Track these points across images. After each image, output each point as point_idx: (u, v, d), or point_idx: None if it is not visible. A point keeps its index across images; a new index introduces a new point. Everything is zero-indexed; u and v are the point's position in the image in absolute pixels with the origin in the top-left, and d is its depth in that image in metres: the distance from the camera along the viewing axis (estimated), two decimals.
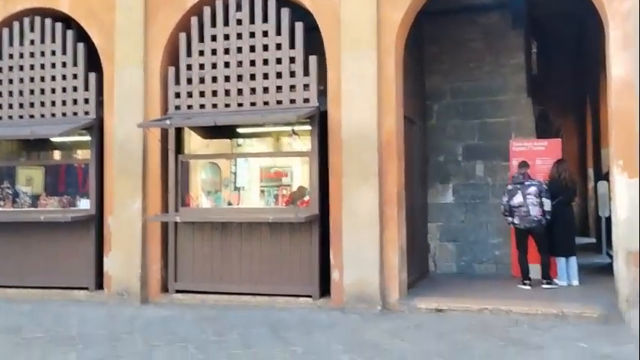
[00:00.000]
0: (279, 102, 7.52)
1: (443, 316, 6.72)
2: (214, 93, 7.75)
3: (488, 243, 9.13)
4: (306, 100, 7.44)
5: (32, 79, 8.48)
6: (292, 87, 7.49)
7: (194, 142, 8.32)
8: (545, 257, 7.97)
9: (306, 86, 7.44)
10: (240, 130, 8.41)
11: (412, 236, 8.14)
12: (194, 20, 7.83)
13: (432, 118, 9.54)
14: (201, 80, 7.77)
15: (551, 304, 6.76)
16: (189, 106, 7.83)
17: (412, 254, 8.05)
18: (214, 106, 7.74)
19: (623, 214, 6.32)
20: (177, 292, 7.83)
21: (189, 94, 7.83)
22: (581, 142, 16.70)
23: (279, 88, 7.52)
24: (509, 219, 8.05)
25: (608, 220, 11.43)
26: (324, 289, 7.36)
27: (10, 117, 8.57)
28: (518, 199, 7.93)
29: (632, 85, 6.26)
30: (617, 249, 6.41)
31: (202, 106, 7.79)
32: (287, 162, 8.31)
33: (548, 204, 7.80)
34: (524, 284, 7.93)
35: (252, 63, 7.62)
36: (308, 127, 7.58)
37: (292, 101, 7.49)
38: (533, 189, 7.85)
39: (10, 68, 8.59)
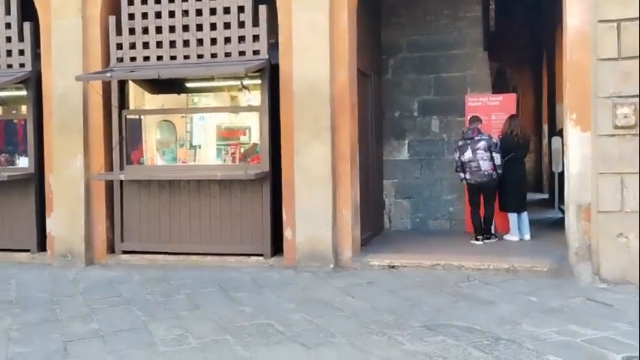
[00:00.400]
0: (227, 54, 7.17)
1: (396, 273, 6.66)
2: (159, 44, 7.34)
3: (442, 199, 9.09)
4: (256, 52, 7.12)
5: None
6: (241, 38, 7.15)
7: (148, 100, 7.95)
8: (490, 212, 7.98)
9: (255, 37, 7.11)
10: (189, 85, 8.04)
11: (366, 193, 8.02)
12: None
13: (387, 72, 9.33)
14: (145, 31, 7.35)
15: (502, 258, 6.77)
16: (133, 58, 7.41)
17: (366, 211, 7.94)
18: (159, 58, 7.35)
19: (575, 168, 6.30)
20: (124, 252, 7.56)
21: (132, 46, 7.40)
22: (536, 99, 16.80)
23: (227, 39, 7.17)
24: (462, 175, 8.02)
25: (561, 175, 11.59)
26: (277, 248, 7.20)
27: None
28: (468, 154, 7.89)
29: (587, 36, 6.16)
30: (569, 203, 6.41)
31: (146, 59, 7.38)
32: (244, 119, 7.99)
33: (498, 158, 7.77)
34: (477, 239, 7.95)
35: (199, 12, 7.22)
36: (258, 81, 7.28)
37: (241, 53, 7.16)
38: (482, 144, 7.81)
39: None
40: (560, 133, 12.01)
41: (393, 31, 9.25)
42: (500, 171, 7.81)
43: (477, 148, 7.84)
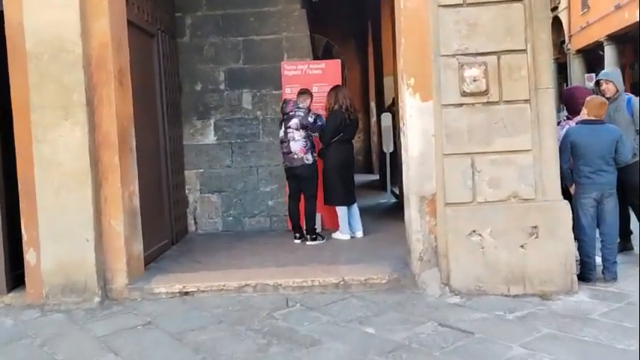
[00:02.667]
0: None
1: (190, 302, 4.80)
2: None
3: (260, 192, 7.39)
4: None
5: None
6: None
7: None
8: (310, 206, 6.48)
9: None
10: None
11: (156, 189, 6.07)
12: None
13: (184, 34, 7.36)
14: None
15: (330, 269, 5.21)
16: None
17: (157, 214, 5.99)
18: None
19: (415, 148, 4.89)
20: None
21: None
22: (363, 74, 15.81)
23: None
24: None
25: (393, 156, 10.53)
26: (19, 279, 5.00)
27: None
28: (281, 132, 6.45)
29: None
30: (409, 193, 5.00)
31: None
32: None
33: (314, 137, 6.46)
34: (296, 238, 6.42)
35: None
36: None
37: None
38: (294, 121, 6.33)
39: None
40: (390, 109, 10.95)
41: None
42: (313, 156, 6.38)
43: (289, 126, 6.33)
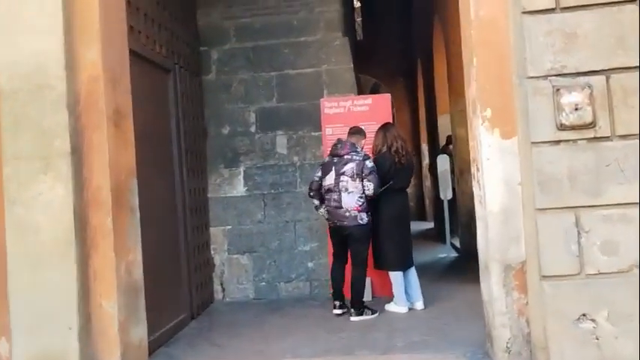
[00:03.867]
0: None
1: None
2: None
3: (297, 251, 6.25)
4: None
5: None
6: None
7: None
8: (359, 273, 5.26)
9: None
10: None
11: (166, 255, 5.01)
12: None
13: (209, 70, 6.42)
14: None
15: None
16: None
17: (166, 286, 4.91)
18: None
19: (496, 201, 3.69)
20: None
21: None
22: (413, 115, 14.71)
23: None
24: (315, 202, 5.42)
25: (451, 203, 9.28)
26: None
27: None
28: (330, 178, 5.24)
29: None
30: (488, 261, 3.76)
31: None
32: None
33: (371, 187, 5.12)
34: (335, 308, 5.32)
35: None
36: None
37: None
38: (349, 166, 5.14)
39: None
40: (446, 150, 9.75)
41: (214, 11, 6.41)
42: (368, 216, 5.21)
43: (342, 172, 5.14)
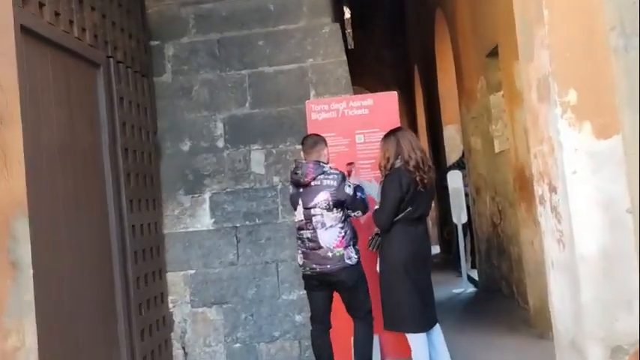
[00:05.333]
0: None
1: None
2: None
3: (282, 301, 4.78)
4: None
5: None
6: None
7: None
8: (363, 330, 3.83)
9: None
10: None
11: (92, 321, 3.53)
12: None
13: (163, 70, 5.01)
14: None
15: None
16: None
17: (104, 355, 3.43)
18: None
19: (592, 240, 2.27)
20: None
21: None
22: (411, 127, 13.34)
23: None
24: (299, 251, 3.92)
25: (466, 227, 7.88)
26: None
27: None
28: (299, 214, 3.85)
29: None
30: (579, 339, 2.33)
31: None
32: None
33: (361, 217, 3.83)
34: None
35: None
36: None
37: None
38: (322, 197, 3.73)
39: None
40: (459, 166, 8.37)
41: None
42: (359, 250, 3.79)
43: (314, 206, 3.74)
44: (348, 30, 14.50)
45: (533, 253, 4.90)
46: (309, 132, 4.48)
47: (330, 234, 3.72)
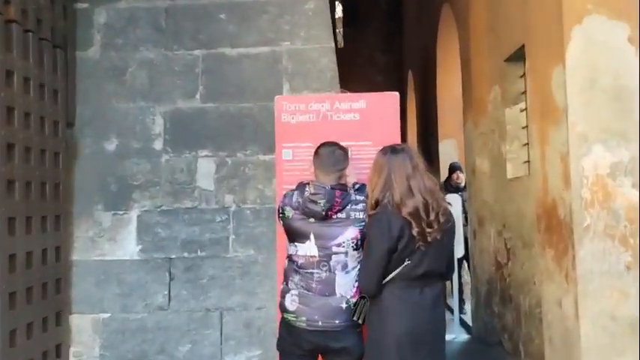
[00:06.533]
0: None
1: None
2: None
3: None
4: None
5: None
6: None
7: None
8: None
9: None
10: None
11: None
12: None
13: (90, 42, 3.75)
14: None
15: None
16: None
17: None
18: None
19: None
20: None
21: None
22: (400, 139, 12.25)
23: None
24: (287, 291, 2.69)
25: (460, 262, 6.74)
26: None
27: None
28: (308, 248, 2.63)
29: None
30: None
31: None
32: None
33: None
34: None
35: None
36: None
37: None
38: (351, 232, 2.62)
39: None
40: (457, 188, 7.21)
41: None
42: (357, 317, 2.60)
43: (339, 243, 2.61)
44: (339, 29, 13.50)
45: (562, 317, 3.73)
46: (278, 139, 3.27)
47: (349, 279, 2.63)
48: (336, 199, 2.61)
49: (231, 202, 3.60)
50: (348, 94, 3.48)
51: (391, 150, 2.64)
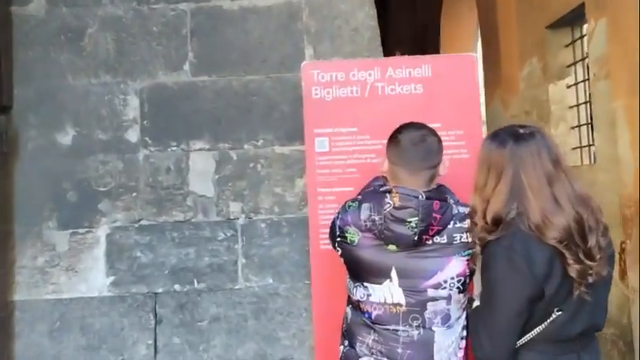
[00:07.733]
0: None
1: None
2: None
3: None
4: None
5: None
6: None
7: None
8: None
9: None
10: None
11: None
12: None
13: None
14: None
15: None
16: None
17: None
18: None
19: None
20: None
21: None
22: None
23: None
24: (343, 347, 1.77)
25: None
26: None
27: None
28: (387, 290, 1.68)
29: None
30: None
31: None
32: None
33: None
34: None
35: None
36: None
37: None
38: (456, 266, 1.69)
39: None
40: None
41: None
42: None
43: (437, 284, 1.69)
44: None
45: None
46: (307, 121, 2.30)
47: (453, 338, 1.72)
48: (434, 215, 1.65)
49: (239, 213, 2.60)
50: (407, 56, 2.50)
51: (514, 135, 1.66)
